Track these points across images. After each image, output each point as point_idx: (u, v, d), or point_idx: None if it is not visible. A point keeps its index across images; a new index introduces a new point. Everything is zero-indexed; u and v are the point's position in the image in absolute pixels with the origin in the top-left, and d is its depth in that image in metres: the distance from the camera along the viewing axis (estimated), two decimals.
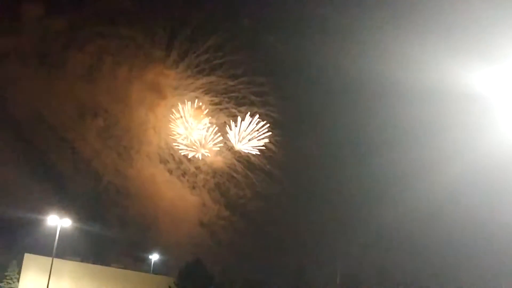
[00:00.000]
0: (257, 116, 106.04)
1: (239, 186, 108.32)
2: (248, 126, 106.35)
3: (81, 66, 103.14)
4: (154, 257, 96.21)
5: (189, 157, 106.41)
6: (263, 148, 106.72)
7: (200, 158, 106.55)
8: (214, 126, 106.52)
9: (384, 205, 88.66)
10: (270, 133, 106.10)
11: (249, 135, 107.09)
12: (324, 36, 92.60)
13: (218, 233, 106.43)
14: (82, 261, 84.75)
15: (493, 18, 69.13)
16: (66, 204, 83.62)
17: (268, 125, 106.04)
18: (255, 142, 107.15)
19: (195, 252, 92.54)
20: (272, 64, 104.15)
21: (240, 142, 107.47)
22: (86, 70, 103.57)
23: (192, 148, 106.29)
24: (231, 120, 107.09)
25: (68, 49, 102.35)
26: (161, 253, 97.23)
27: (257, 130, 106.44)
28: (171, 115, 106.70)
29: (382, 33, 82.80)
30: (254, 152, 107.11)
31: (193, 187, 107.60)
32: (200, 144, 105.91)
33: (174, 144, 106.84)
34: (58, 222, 65.19)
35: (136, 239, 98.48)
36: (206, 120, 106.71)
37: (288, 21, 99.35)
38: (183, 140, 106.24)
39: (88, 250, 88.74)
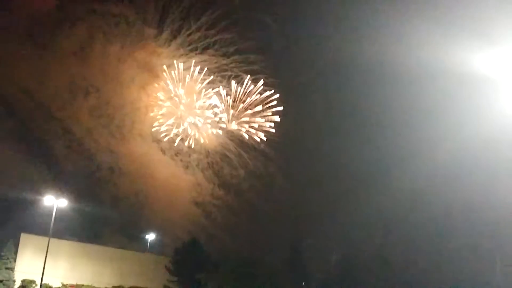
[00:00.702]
0: (262, 82, 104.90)
1: (232, 165, 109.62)
2: (245, 95, 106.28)
3: (72, 44, 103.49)
4: (150, 236, 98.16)
5: (175, 144, 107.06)
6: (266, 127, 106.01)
7: (193, 145, 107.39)
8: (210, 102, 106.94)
9: (382, 185, 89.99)
10: (281, 108, 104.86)
11: (249, 109, 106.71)
12: (320, 14, 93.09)
13: (212, 212, 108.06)
14: (78, 241, 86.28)
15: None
16: (59, 184, 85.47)
17: (277, 95, 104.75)
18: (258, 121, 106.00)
19: (190, 231, 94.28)
20: (265, 43, 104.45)
21: (236, 119, 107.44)
22: (77, 48, 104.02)
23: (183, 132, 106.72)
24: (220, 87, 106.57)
25: (59, 26, 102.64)
26: (157, 232, 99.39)
27: (262, 103, 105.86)
28: (159, 95, 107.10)
29: (380, 12, 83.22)
30: (258, 137, 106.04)
31: (187, 167, 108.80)
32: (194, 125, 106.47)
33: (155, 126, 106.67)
34: (54, 202, 66.49)
35: (132, 219, 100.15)
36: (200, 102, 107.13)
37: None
38: (173, 123, 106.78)
39: (84, 229, 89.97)
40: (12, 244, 77.49)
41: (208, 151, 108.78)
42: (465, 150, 77.96)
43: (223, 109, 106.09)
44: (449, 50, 73.03)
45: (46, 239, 65.24)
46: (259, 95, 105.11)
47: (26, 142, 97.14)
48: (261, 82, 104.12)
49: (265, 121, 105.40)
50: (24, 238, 78.94)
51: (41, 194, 70.70)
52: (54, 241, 68.18)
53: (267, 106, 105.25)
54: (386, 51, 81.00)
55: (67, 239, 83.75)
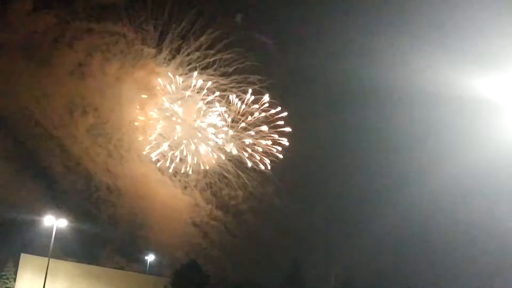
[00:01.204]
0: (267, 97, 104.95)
1: (231, 186, 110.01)
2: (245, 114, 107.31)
3: (70, 63, 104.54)
4: (150, 257, 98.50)
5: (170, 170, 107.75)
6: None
7: (190, 171, 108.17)
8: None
9: (381, 207, 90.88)
10: (289, 129, 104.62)
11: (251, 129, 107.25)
12: (321, 38, 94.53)
13: (211, 234, 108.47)
14: (78, 261, 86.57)
15: (497, 23, 70.77)
16: (58, 203, 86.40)
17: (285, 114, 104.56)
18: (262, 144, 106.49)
19: (189, 252, 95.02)
20: (266, 63, 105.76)
21: (236, 140, 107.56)
22: (75, 67, 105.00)
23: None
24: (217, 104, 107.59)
25: (57, 45, 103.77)
26: (156, 253, 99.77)
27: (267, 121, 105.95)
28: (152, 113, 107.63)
29: (381, 37, 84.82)
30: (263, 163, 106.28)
31: (185, 187, 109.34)
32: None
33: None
34: (54, 222, 67.05)
35: (130, 239, 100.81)
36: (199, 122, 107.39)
37: (282, 20, 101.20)
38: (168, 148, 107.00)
39: (82, 250, 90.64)
40: (12, 264, 78.48)
41: (207, 171, 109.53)
42: (468, 173, 79.03)
43: (222, 129, 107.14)
44: (453, 74, 74.16)
45: (45, 259, 65.88)
46: (263, 112, 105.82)
47: (23, 160, 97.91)
48: (266, 97, 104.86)
49: (271, 144, 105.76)
50: (24, 258, 79.05)
51: (39, 214, 71.60)
52: (53, 262, 68.81)
53: (272, 125, 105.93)
54: (392, 75, 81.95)
55: (67, 260, 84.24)
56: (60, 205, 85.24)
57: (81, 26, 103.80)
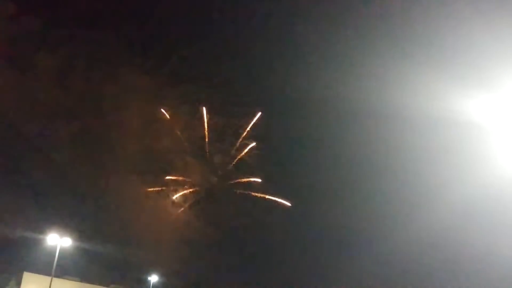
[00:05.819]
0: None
1: (220, 201, 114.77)
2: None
3: (52, 69, 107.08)
4: (153, 278, 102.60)
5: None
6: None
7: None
8: None
9: (379, 233, 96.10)
10: None
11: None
12: (316, 61, 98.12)
13: (203, 251, 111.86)
14: (81, 281, 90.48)
15: (491, 45, 72.00)
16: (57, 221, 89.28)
17: None
18: None
19: (180, 270, 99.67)
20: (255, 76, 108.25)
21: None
22: (58, 73, 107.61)
23: None
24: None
25: (39, 51, 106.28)
26: (156, 273, 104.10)
27: None
28: None
29: (378, 59, 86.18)
30: None
31: (173, 202, 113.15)
32: None
33: None
34: (58, 241, 71.14)
35: (132, 259, 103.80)
36: None
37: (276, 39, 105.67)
38: None
39: (85, 269, 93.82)
40: (14, 283, 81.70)
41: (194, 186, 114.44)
42: (467, 199, 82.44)
43: None
44: (449, 97, 76.29)
45: (48, 278, 69.56)
46: None
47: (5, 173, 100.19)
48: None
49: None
50: (27, 277, 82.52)
51: (40, 231, 75.08)
52: (56, 281, 72.90)
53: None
54: (386, 100, 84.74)
55: (69, 279, 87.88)
56: (59, 222, 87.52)
57: (64, 31, 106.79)
